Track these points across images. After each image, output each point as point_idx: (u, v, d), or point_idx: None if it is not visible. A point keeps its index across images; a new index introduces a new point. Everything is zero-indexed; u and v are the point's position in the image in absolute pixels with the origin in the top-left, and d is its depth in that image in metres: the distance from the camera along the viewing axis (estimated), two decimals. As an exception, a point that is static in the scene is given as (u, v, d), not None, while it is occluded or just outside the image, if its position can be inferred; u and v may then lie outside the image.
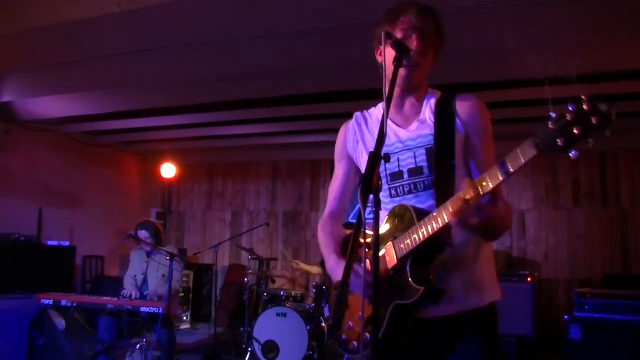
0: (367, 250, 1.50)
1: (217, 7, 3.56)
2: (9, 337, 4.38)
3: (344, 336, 1.71)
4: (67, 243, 6.67)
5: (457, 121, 1.63)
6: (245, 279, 5.71)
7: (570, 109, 1.13)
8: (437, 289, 1.52)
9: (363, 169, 1.73)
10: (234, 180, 8.89)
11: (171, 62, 4.55)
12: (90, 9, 3.61)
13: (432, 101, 1.70)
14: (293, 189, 8.46)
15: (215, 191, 9.02)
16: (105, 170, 7.97)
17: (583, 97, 1.12)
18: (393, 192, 1.69)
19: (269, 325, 4.97)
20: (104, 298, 4.40)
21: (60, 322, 4.58)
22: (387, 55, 1.60)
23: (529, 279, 5.55)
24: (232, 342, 5.63)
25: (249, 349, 5.01)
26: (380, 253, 1.60)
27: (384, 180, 1.69)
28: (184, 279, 7.65)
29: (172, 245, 5.11)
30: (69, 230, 7.15)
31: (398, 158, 1.68)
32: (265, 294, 5.69)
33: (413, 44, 1.58)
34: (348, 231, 1.89)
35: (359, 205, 1.31)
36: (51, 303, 4.28)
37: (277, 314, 4.99)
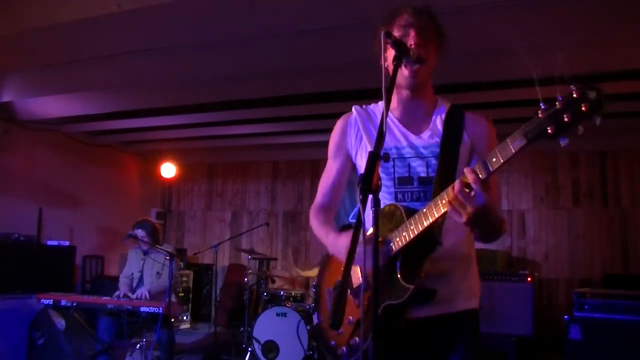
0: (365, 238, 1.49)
1: (217, 7, 3.56)
2: (9, 337, 4.38)
3: (332, 342, 1.71)
4: (67, 243, 6.67)
5: (465, 135, 1.65)
6: (245, 279, 5.71)
7: (559, 97, 1.14)
8: (427, 288, 1.52)
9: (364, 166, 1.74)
10: (234, 180, 8.89)
11: (171, 62, 4.55)
12: (91, 9, 3.61)
13: (443, 111, 1.71)
14: (293, 189, 8.46)
15: (215, 191, 9.02)
16: (105, 170, 7.97)
17: (572, 86, 1.13)
18: (400, 196, 1.67)
19: (269, 325, 4.97)
20: (104, 298, 4.40)
21: (60, 322, 4.58)
22: (388, 56, 1.60)
23: (529, 279, 5.55)
24: (232, 342, 5.63)
25: (249, 349, 5.02)
26: None
27: (390, 183, 1.69)
28: (184, 279, 7.66)
29: (168, 244, 5.11)
30: (69, 230, 7.15)
31: (409, 164, 1.67)
32: (265, 294, 5.69)
33: (411, 40, 1.59)
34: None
35: (359, 205, 1.30)
36: (51, 303, 4.28)
37: (277, 314, 4.99)
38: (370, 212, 1.34)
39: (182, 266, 6.67)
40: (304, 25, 3.75)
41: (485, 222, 1.41)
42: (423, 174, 1.65)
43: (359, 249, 1.47)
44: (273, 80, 4.87)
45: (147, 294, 4.41)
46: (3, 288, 5.27)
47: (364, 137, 1.76)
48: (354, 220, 1.34)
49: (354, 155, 1.81)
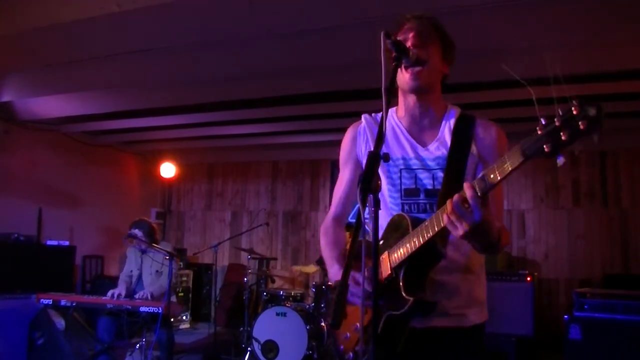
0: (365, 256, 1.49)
1: (217, 7, 3.56)
2: (8, 337, 4.38)
3: (341, 347, 1.72)
4: (67, 243, 6.67)
5: (474, 145, 1.64)
6: (245, 279, 5.71)
7: (560, 113, 1.12)
8: (427, 301, 1.51)
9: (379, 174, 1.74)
10: (234, 180, 8.89)
11: (171, 62, 4.55)
12: (91, 9, 3.61)
13: (452, 120, 1.68)
14: (293, 189, 8.47)
15: (215, 191, 9.02)
16: (105, 170, 7.97)
17: (574, 101, 1.10)
18: (407, 207, 1.68)
19: (268, 325, 4.97)
20: (104, 298, 4.39)
21: (60, 322, 4.58)
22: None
23: (529, 279, 5.55)
24: (231, 342, 5.64)
25: (249, 348, 5.02)
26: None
27: (397, 194, 1.69)
28: (184, 278, 7.67)
29: (167, 243, 5.11)
30: (68, 230, 7.15)
31: (416, 175, 1.67)
32: (265, 293, 5.69)
33: (409, 42, 1.59)
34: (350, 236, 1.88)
35: (359, 205, 1.30)
36: (51, 303, 4.27)
37: (277, 314, 4.99)
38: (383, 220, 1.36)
39: (181, 266, 6.69)
40: (304, 25, 3.75)
41: (482, 237, 1.41)
42: (429, 186, 1.65)
43: (356, 290, 1.50)
44: (273, 80, 4.87)
45: (149, 296, 4.41)
46: (3, 288, 5.27)
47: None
48: (354, 220, 1.34)
49: (364, 164, 1.82)
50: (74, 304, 4.30)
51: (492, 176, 1.28)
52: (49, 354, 4.42)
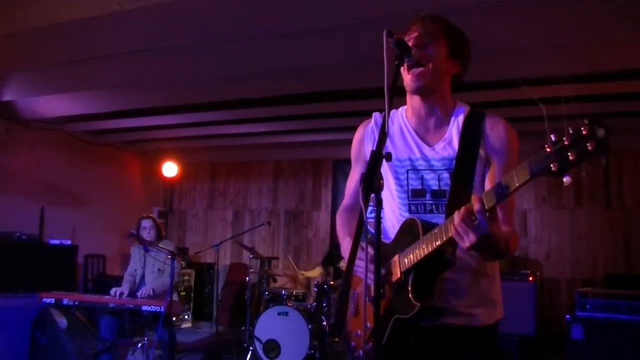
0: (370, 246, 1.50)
1: (217, 7, 3.56)
2: (11, 336, 4.40)
3: (352, 343, 1.73)
4: (69, 242, 6.69)
5: (483, 144, 1.61)
6: (247, 278, 5.72)
7: (569, 131, 1.11)
8: (434, 307, 1.51)
9: (383, 173, 1.74)
10: (236, 180, 8.90)
11: (172, 61, 4.55)
12: (92, 8, 3.61)
13: (460, 118, 1.66)
14: (295, 188, 8.47)
15: (217, 190, 9.03)
16: (107, 169, 7.99)
17: (584, 120, 1.09)
18: (413, 208, 1.68)
19: (270, 325, 4.97)
20: (106, 297, 4.41)
21: (62, 321, 4.60)
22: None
23: (531, 279, 5.54)
24: (233, 341, 5.64)
25: (251, 348, 5.02)
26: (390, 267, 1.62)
27: (404, 195, 1.69)
28: (186, 278, 7.68)
29: (169, 241, 5.14)
30: (71, 229, 7.16)
31: (422, 176, 1.67)
32: (266, 293, 5.69)
33: (411, 42, 1.58)
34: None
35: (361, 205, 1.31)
36: (53, 302, 4.28)
37: (279, 313, 4.99)
38: (394, 223, 1.32)
39: (183, 265, 6.71)
40: (304, 25, 3.74)
41: (488, 248, 1.41)
42: (435, 187, 1.65)
43: (362, 262, 1.49)
44: (274, 80, 4.88)
45: (151, 292, 4.44)
46: (5, 287, 5.28)
47: None
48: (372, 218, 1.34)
49: None
50: (76, 303, 4.31)
51: (499, 191, 1.28)
52: (51, 352, 4.44)
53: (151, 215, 5.08)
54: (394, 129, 1.75)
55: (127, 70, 4.78)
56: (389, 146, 1.73)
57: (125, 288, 4.54)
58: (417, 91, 1.65)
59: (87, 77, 4.99)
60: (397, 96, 1.49)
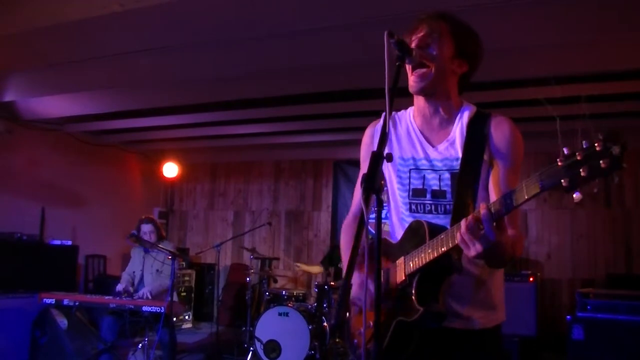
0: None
1: (217, 7, 3.56)
2: (11, 336, 4.40)
3: (355, 341, 1.73)
4: (69, 242, 6.69)
5: (487, 145, 1.59)
6: (248, 279, 5.72)
7: (583, 146, 1.08)
8: (437, 311, 1.50)
9: (387, 173, 1.74)
10: (236, 180, 8.90)
11: (173, 62, 4.55)
12: (93, 8, 3.61)
13: (465, 119, 1.64)
14: (296, 188, 8.47)
15: (217, 191, 9.03)
16: (108, 169, 7.99)
17: (600, 135, 1.07)
18: (414, 207, 1.68)
19: (271, 325, 4.97)
20: (107, 297, 4.41)
21: (62, 322, 4.60)
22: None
23: (531, 279, 5.54)
24: (234, 342, 5.64)
25: (251, 348, 5.02)
26: (394, 268, 1.61)
27: (405, 194, 1.69)
28: (187, 278, 7.68)
29: (169, 242, 5.16)
30: (71, 230, 7.16)
31: (424, 176, 1.66)
32: (267, 293, 5.69)
33: (413, 43, 1.57)
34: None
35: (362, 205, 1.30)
36: (54, 302, 4.29)
37: (279, 314, 4.99)
38: (398, 224, 1.30)
39: (183, 265, 6.71)
40: (303, 25, 3.74)
41: (494, 257, 1.40)
42: (435, 187, 1.64)
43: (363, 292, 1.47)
44: (274, 80, 4.87)
45: (148, 294, 4.44)
46: (6, 287, 5.28)
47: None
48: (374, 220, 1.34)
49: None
50: (76, 303, 4.31)
51: (508, 202, 1.27)
52: (52, 352, 4.44)
53: (151, 217, 5.07)
54: (401, 129, 1.75)
55: (128, 70, 4.78)
56: (395, 146, 1.73)
57: (126, 284, 4.60)
58: (419, 92, 1.64)
59: (88, 77, 4.99)
60: (401, 97, 1.48)
